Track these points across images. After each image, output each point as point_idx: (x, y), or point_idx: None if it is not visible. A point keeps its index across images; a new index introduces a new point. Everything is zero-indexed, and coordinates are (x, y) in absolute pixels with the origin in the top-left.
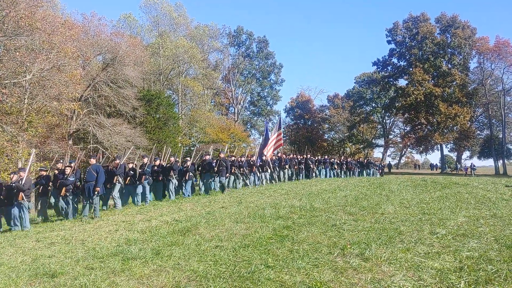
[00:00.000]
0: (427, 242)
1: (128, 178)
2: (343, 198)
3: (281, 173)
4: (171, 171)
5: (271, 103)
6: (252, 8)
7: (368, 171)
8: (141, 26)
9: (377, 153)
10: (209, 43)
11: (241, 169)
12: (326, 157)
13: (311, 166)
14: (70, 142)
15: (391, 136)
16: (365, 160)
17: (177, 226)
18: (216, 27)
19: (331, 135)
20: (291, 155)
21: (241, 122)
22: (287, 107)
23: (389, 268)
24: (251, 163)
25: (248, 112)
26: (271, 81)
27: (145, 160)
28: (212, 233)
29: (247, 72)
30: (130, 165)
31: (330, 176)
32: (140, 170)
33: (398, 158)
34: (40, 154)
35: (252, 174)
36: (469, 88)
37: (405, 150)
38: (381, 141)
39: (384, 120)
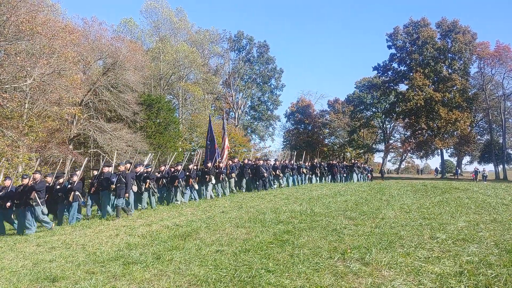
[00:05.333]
0: (427, 247)
1: None
2: (343, 203)
3: (228, 182)
4: (33, 193)
5: (271, 108)
6: (253, 13)
7: (356, 175)
8: (142, 31)
9: (377, 158)
10: (210, 48)
11: (176, 180)
12: (290, 161)
13: (265, 174)
14: (71, 146)
15: (391, 141)
16: (350, 162)
17: (177, 230)
18: (217, 32)
19: (331, 140)
20: (246, 161)
21: (242, 127)
22: (287, 112)
23: (389, 272)
24: (187, 173)
25: (249, 117)
26: (272, 86)
27: None
28: (213, 238)
29: (247, 77)
30: None
31: (299, 183)
32: None
33: (398, 163)
34: (41, 159)
35: (188, 187)
36: (470, 93)
37: (405, 155)
38: (381, 146)
39: (385, 125)
